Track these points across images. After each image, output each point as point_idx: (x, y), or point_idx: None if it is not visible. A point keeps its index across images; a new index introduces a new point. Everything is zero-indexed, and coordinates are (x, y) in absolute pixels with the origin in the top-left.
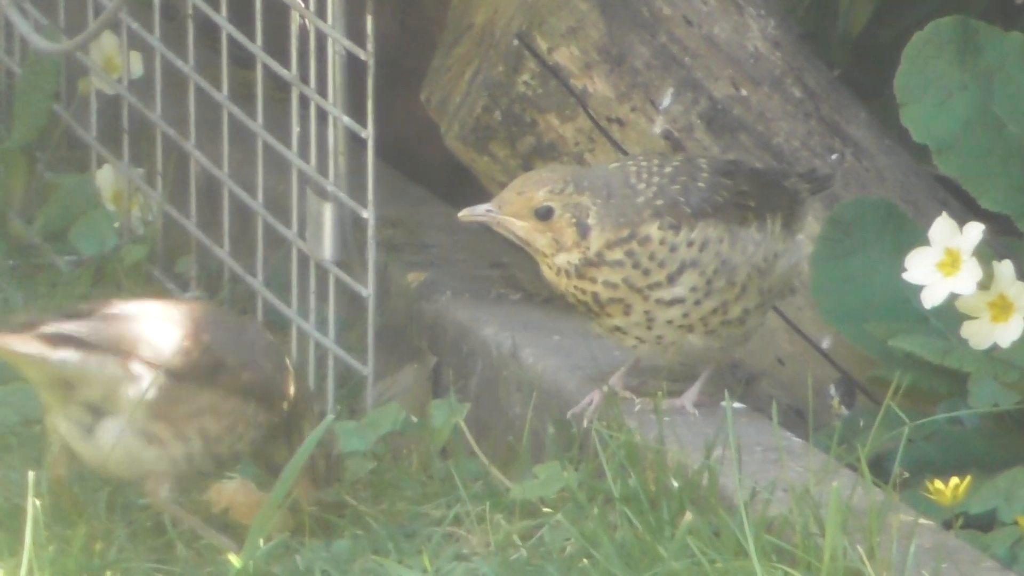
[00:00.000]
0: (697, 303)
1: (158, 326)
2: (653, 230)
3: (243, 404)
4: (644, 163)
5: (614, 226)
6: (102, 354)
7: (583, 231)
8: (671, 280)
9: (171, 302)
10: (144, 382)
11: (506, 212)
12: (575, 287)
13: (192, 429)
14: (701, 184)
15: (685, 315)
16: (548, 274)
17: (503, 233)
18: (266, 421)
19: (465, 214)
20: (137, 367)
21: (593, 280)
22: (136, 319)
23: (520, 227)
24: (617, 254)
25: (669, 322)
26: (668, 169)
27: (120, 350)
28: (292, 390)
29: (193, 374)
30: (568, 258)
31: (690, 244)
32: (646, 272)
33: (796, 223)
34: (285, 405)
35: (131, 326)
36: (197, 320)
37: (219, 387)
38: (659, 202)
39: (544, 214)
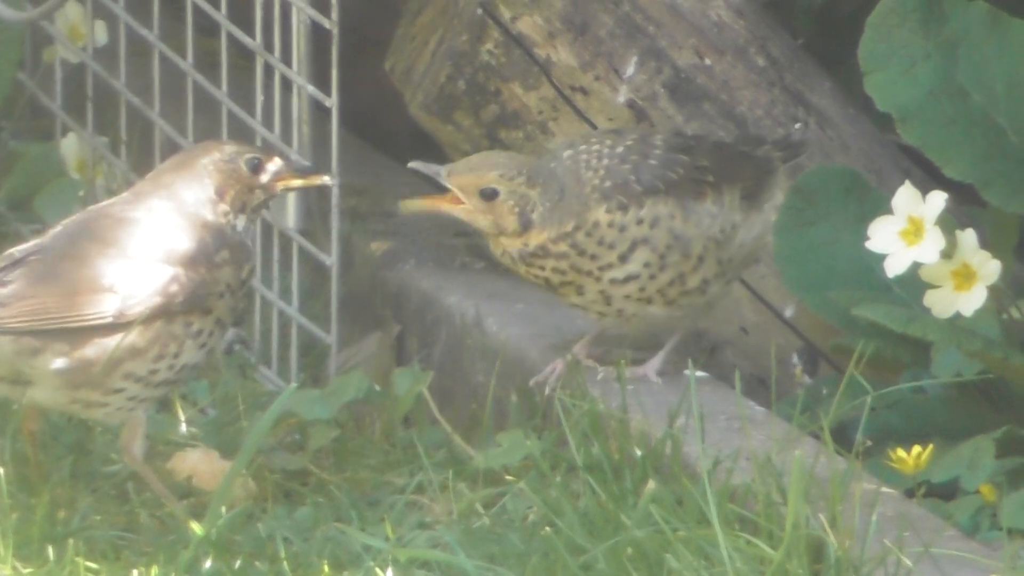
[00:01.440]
0: (652, 277)
1: (49, 288)
2: (600, 214)
3: (167, 326)
4: (596, 147)
5: (557, 224)
6: None
7: (524, 223)
8: (623, 259)
9: (65, 244)
10: (44, 352)
11: (454, 181)
12: (525, 271)
13: (119, 379)
14: (653, 161)
15: (642, 289)
16: (495, 252)
17: (445, 213)
18: (205, 325)
19: (416, 165)
20: (31, 338)
21: (542, 268)
22: (28, 283)
23: (460, 210)
24: (561, 247)
25: (627, 296)
26: (620, 149)
27: (7, 327)
28: (228, 280)
29: (96, 328)
30: (510, 243)
31: (640, 222)
32: (594, 257)
33: (764, 193)
34: (221, 300)
35: (22, 295)
36: (96, 263)
37: (131, 325)
38: (607, 184)
39: (488, 195)
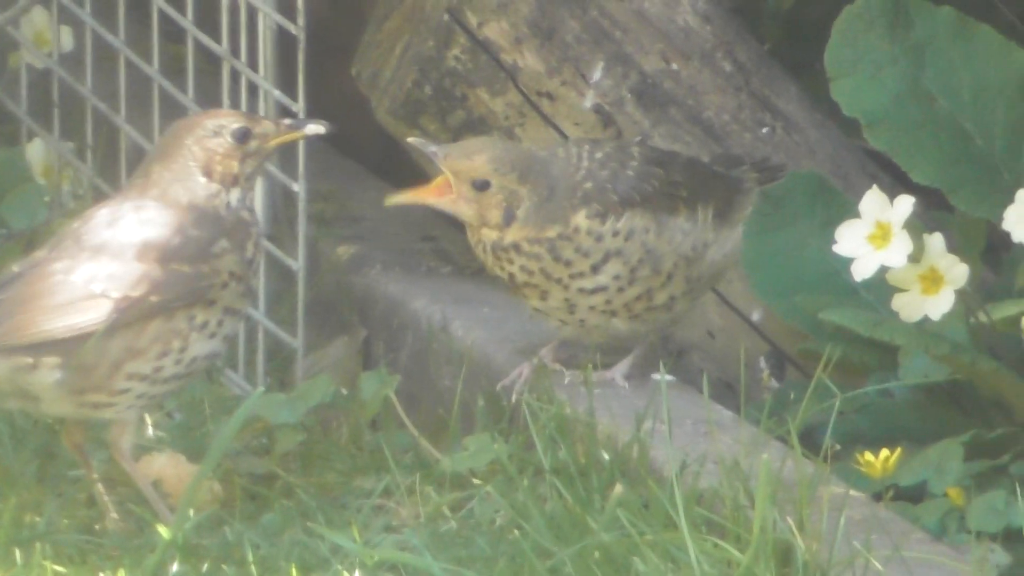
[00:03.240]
0: (620, 290)
1: (39, 302)
2: (581, 219)
3: (167, 323)
4: (575, 149)
5: (538, 225)
6: None
7: (507, 218)
8: (595, 269)
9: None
10: (38, 368)
11: (448, 164)
12: (492, 262)
13: (122, 380)
14: (630, 172)
15: (608, 302)
16: (471, 240)
17: (433, 205)
18: (209, 316)
19: (414, 141)
20: (23, 356)
21: (510, 262)
22: (16, 299)
23: (446, 201)
24: (536, 248)
25: (592, 308)
26: (599, 155)
27: (7, 342)
28: (230, 268)
29: (86, 335)
30: (490, 235)
31: (615, 234)
32: (568, 263)
33: (735, 213)
34: (224, 289)
35: (15, 310)
36: (88, 269)
37: (129, 326)
38: (588, 185)
39: (480, 186)
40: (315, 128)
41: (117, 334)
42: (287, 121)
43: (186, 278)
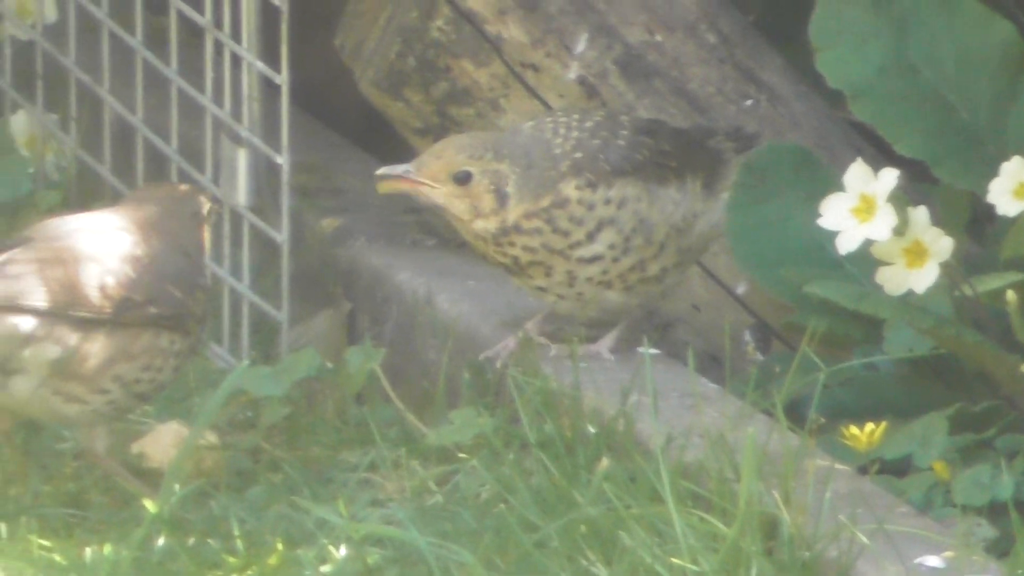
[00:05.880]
0: (615, 260)
1: (56, 272)
2: (571, 190)
3: (156, 339)
4: (563, 118)
5: (533, 196)
6: None
7: (501, 199)
8: (590, 237)
9: (66, 235)
10: (43, 340)
11: (424, 175)
12: (494, 251)
13: (107, 380)
14: (621, 142)
15: (604, 272)
16: (467, 237)
17: (421, 198)
18: (183, 347)
19: (383, 172)
20: (32, 324)
21: (512, 244)
22: (28, 267)
23: (438, 194)
24: (535, 222)
25: (589, 279)
26: (589, 124)
27: (10, 307)
28: (203, 308)
29: (97, 320)
30: (486, 225)
31: (608, 202)
32: (565, 234)
33: (718, 183)
34: (197, 326)
35: (22, 277)
36: (96, 257)
37: (127, 328)
38: (578, 155)
39: (463, 178)
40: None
41: (116, 333)
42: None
43: (176, 301)
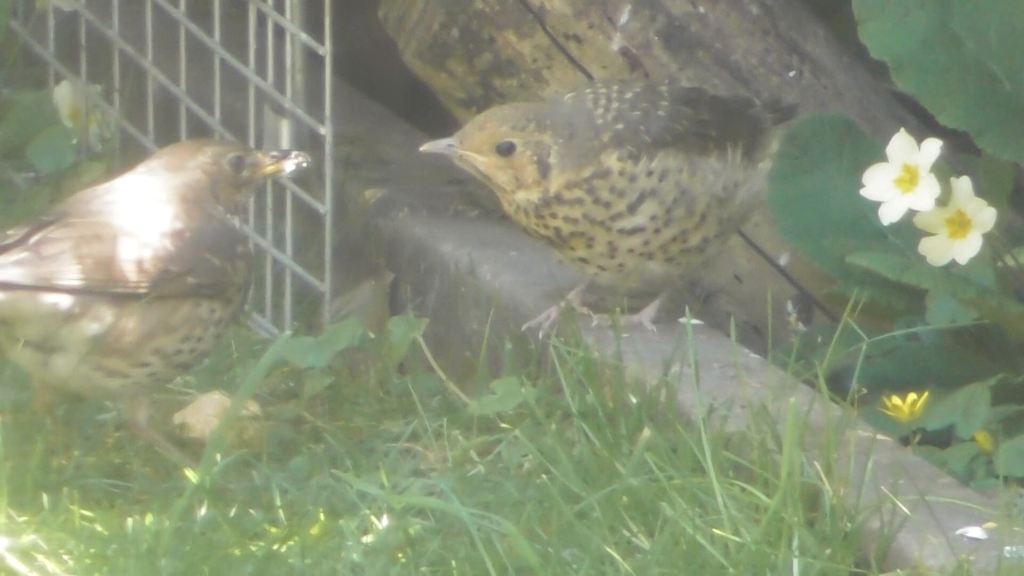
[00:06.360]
0: (657, 231)
1: (92, 250)
2: (612, 161)
3: (195, 308)
4: (603, 90)
5: (575, 166)
6: (32, 292)
7: (544, 170)
8: (631, 209)
9: (101, 210)
10: (81, 318)
11: (467, 147)
12: (536, 223)
13: (148, 353)
14: (661, 112)
15: (646, 243)
16: (508, 209)
17: (465, 167)
18: (224, 315)
19: (427, 148)
20: (69, 303)
21: (554, 216)
22: (68, 245)
23: (482, 162)
24: (577, 193)
25: (630, 250)
26: (629, 95)
27: (52, 285)
28: (244, 275)
29: (135, 295)
30: (528, 196)
31: (649, 174)
32: (607, 205)
33: (758, 152)
34: (239, 293)
35: (63, 255)
36: (131, 231)
37: (166, 300)
38: (619, 126)
39: (506, 149)
40: (296, 163)
41: (154, 306)
42: (274, 153)
43: (216, 269)
